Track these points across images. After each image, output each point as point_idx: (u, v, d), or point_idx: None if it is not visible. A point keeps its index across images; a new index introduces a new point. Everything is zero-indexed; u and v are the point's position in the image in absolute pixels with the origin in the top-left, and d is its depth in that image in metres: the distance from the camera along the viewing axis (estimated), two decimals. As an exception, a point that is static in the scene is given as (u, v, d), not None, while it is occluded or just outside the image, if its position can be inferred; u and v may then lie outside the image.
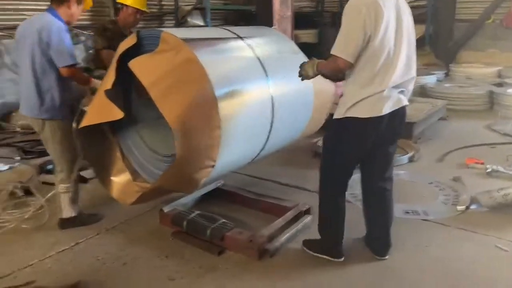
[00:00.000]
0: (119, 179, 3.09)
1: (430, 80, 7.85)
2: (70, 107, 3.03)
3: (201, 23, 8.52)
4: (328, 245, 2.65)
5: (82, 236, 3.03)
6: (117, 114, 2.72)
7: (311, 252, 2.70)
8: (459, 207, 3.30)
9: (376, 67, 2.24)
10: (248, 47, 2.99)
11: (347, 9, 2.22)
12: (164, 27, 8.58)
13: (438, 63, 9.24)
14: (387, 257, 2.67)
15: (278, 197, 3.40)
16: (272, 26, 4.31)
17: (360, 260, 2.67)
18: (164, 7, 8.78)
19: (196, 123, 2.52)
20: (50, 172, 4.44)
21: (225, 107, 2.57)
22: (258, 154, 3.16)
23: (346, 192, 2.63)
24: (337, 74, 2.43)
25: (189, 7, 8.59)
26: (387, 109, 2.30)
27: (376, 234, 2.71)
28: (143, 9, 3.66)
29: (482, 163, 4.15)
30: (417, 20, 10.98)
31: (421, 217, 3.22)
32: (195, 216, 3.01)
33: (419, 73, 8.58)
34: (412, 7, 9.44)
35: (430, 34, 9.50)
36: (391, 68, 2.26)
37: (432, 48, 9.51)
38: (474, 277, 2.49)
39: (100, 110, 2.80)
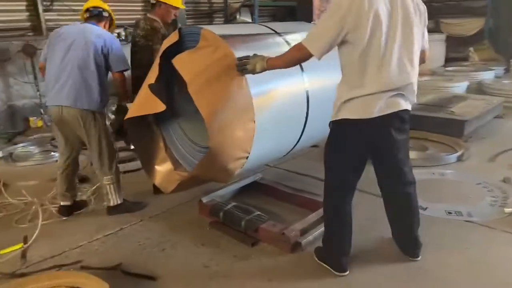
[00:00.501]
0: (162, 168, 3.27)
1: (487, 76, 7.41)
2: None
3: (250, 20, 8.64)
4: (331, 255, 2.54)
5: (127, 222, 3.24)
6: (160, 106, 2.87)
7: (316, 259, 2.62)
8: (507, 210, 3.12)
9: (365, 68, 2.14)
10: (285, 42, 3.02)
11: (331, 4, 2.14)
12: (213, 24, 8.79)
13: (498, 58, 8.68)
14: (419, 258, 2.58)
15: (314, 192, 3.40)
16: (312, 21, 4.29)
17: (393, 259, 2.61)
18: (214, 5, 8.99)
19: (231, 116, 2.60)
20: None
21: (259, 101, 2.63)
22: (293, 147, 3.21)
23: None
24: (293, 66, 2.36)
25: (237, 5, 8.73)
26: (378, 111, 2.17)
27: (402, 238, 2.62)
28: (179, 6, 3.63)
29: (538, 165, 3.89)
30: (476, 13, 10.43)
31: (464, 218, 3.09)
32: (232, 208, 3.11)
33: (477, 68, 8.17)
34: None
35: (490, 27, 8.95)
36: (383, 70, 2.14)
37: (491, 43, 8.95)
38: (516, 282, 2.37)
39: (145, 103, 2.97)
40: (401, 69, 2.18)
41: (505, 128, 5.40)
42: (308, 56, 2.22)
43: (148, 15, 3.61)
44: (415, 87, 2.29)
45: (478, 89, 7.05)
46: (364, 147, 2.33)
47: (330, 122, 2.36)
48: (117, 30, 7.11)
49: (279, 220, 3.07)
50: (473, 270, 2.49)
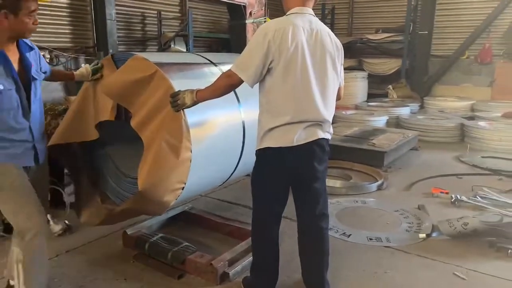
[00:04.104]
0: (88, 202, 2.97)
1: (404, 111, 8.09)
2: None
3: (184, 50, 8.67)
4: (258, 285, 2.53)
5: (41, 257, 2.97)
6: (92, 134, 2.75)
7: None
8: (421, 235, 3.36)
9: (285, 98, 2.20)
10: (221, 72, 3.03)
11: (256, 32, 2.22)
12: (147, 51, 8.69)
13: (413, 96, 9.52)
14: None
15: (245, 221, 3.40)
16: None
17: None
18: (148, 32, 8.92)
19: (168, 147, 2.47)
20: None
21: (196, 131, 2.58)
22: (230, 176, 3.22)
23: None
24: (223, 94, 2.30)
25: (172, 34, 8.75)
26: (298, 140, 2.22)
27: (310, 278, 2.51)
28: None
29: (447, 193, 4.24)
30: (394, 54, 11.31)
31: (383, 244, 3.26)
32: (158, 239, 3.00)
33: (396, 104, 8.85)
34: (389, 42, 9.79)
35: (406, 68, 9.83)
36: (299, 103, 2.20)
37: (408, 81, 9.82)
38: (429, 304, 2.52)
39: (73, 129, 2.77)
40: (315, 105, 2.23)
41: (420, 159, 5.87)
42: (238, 83, 2.21)
43: None
44: (330, 121, 2.35)
45: (396, 123, 7.68)
46: (286, 175, 2.35)
47: (256, 151, 2.37)
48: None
49: (208, 250, 3.01)
50: (392, 294, 2.62)
